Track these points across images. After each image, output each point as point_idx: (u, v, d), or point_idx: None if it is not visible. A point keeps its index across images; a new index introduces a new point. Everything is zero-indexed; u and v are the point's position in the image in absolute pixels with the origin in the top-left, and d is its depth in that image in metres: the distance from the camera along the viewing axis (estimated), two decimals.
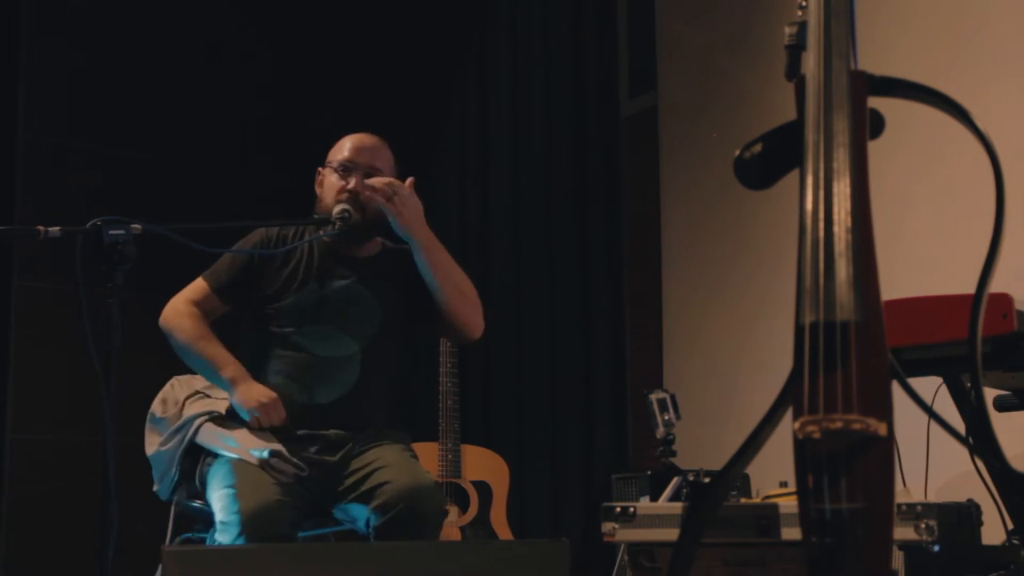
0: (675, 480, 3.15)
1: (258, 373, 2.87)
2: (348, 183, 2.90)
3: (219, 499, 2.65)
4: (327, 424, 2.83)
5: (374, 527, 2.67)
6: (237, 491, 2.60)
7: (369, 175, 2.92)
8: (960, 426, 2.37)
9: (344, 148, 2.96)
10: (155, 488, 3.01)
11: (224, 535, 2.57)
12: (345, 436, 2.83)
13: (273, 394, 2.77)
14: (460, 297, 2.93)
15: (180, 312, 2.88)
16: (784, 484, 2.72)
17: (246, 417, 2.77)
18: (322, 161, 3.02)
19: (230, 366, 2.81)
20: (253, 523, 2.52)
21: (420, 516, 2.64)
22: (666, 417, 3.23)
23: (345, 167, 2.93)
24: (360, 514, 2.73)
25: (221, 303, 2.93)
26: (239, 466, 2.68)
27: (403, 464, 2.75)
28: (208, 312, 2.93)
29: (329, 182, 2.95)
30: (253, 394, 2.76)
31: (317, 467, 2.76)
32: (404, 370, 3.13)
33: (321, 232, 2.91)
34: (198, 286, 2.94)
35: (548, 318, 4.95)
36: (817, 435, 1.33)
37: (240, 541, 2.51)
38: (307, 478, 2.72)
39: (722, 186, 4.32)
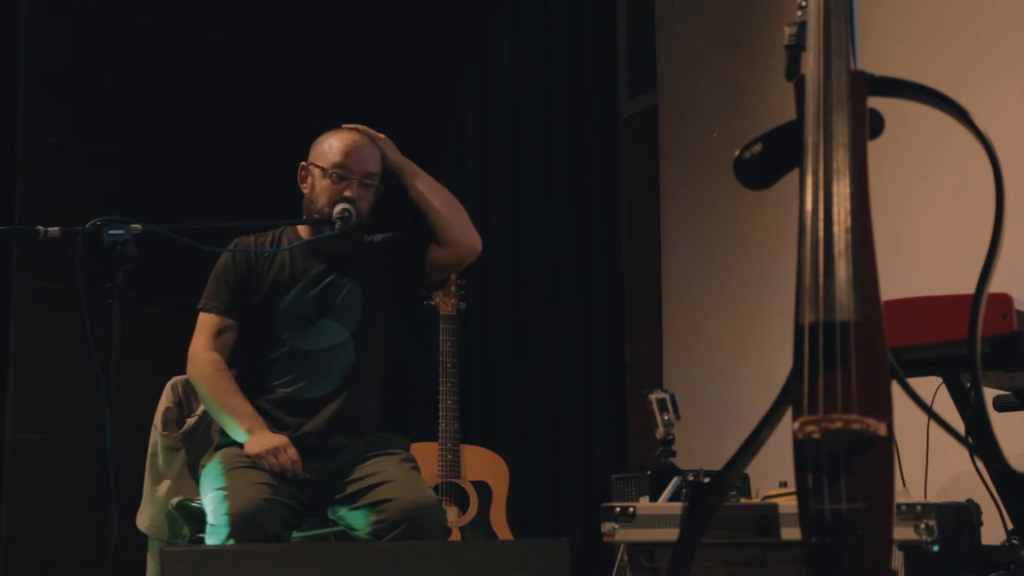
0: (675, 480, 3.15)
1: (256, 381, 2.88)
2: (345, 190, 2.89)
3: (210, 501, 2.65)
4: (325, 423, 2.83)
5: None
6: (226, 492, 2.60)
7: (364, 183, 2.91)
8: (960, 426, 2.37)
9: (337, 151, 2.92)
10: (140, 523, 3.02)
11: (213, 537, 2.57)
12: (344, 440, 2.83)
13: (283, 439, 2.75)
14: (456, 211, 3.01)
15: (202, 363, 2.86)
16: (784, 484, 2.72)
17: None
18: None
19: (247, 417, 2.79)
20: (242, 524, 2.52)
21: (423, 536, 2.63)
22: (666, 417, 3.23)
23: (340, 174, 2.91)
24: (358, 523, 2.73)
25: (235, 324, 2.92)
26: (229, 468, 2.69)
27: (405, 479, 2.74)
28: (228, 344, 2.91)
29: (322, 185, 2.92)
30: (264, 443, 2.73)
31: (315, 471, 2.76)
32: (402, 371, 3.13)
33: (325, 232, 2.90)
34: (207, 322, 2.91)
35: (548, 318, 4.95)
36: (817, 435, 1.33)
37: (229, 543, 2.51)
38: (304, 480, 2.72)
39: (722, 186, 4.32)
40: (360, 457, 2.81)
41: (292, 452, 2.71)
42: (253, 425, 2.77)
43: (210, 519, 2.62)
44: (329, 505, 2.79)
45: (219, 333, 2.90)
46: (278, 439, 2.73)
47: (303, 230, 2.99)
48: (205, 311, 2.93)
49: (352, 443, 2.83)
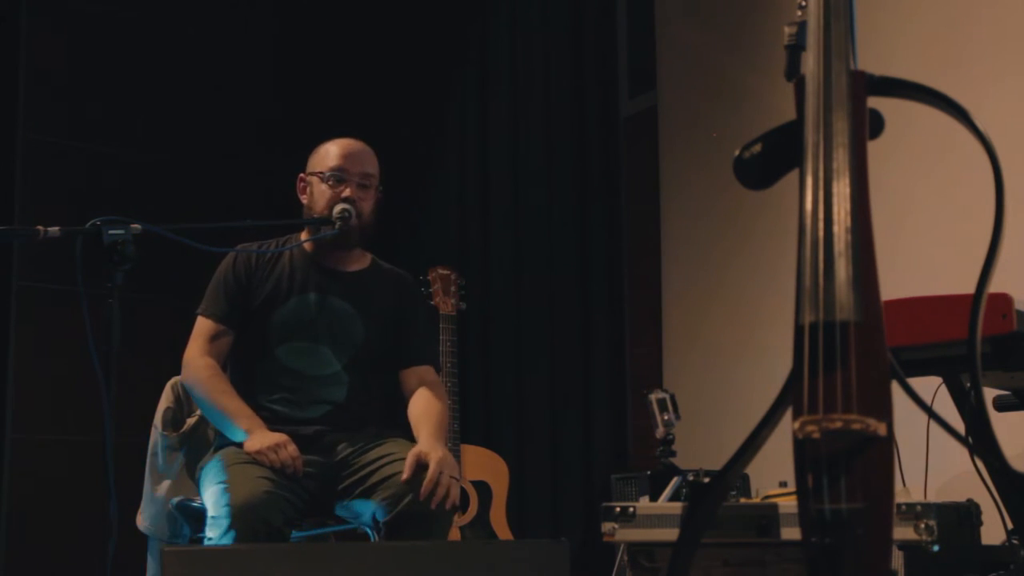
0: (675, 480, 3.15)
1: (244, 388, 2.87)
2: (343, 191, 2.88)
3: (211, 495, 2.65)
4: (320, 430, 2.83)
5: (384, 523, 2.66)
6: (227, 485, 2.60)
7: (363, 184, 2.91)
8: (960, 426, 2.37)
9: (333, 155, 2.92)
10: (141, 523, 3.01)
11: (214, 529, 2.57)
12: (342, 436, 2.84)
13: (284, 437, 2.74)
14: None
15: (197, 368, 2.86)
16: (784, 484, 2.72)
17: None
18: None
19: (245, 418, 2.78)
20: (242, 516, 2.52)
21: (428, 506, 2.63)
22: (666, 417, 3.23)
23: (338, 176, 2.90)
24: (365, 510, 2.73)
25: (231, 330, 2.90)
26: (230, 463, 2.69)
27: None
28: (223, 350, 2.89)
29: (319, 190, 2.91)
30: (265, 440, 2.72)
31: (316, 466, 2.76)
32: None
33: (323, 231, 2.88)
34: (203, 327, 2.90)
35: (548, 318, 4.95)
36: (817, 435, 1.33)
37: (230, 535, 2.51)
38: (305, 477, 2.73)
39: (722, 186, 4.32)
40: (360, 450, 2.81)
41: (292, 449, 2.71)
42: (252, 425, 2.77)
43: (211, 512, 2.62)
44: (334, 499, 2.79)
45: (214, 339, 2.89)
46: (278, 436, 2.73)
47: (307, 243, 2.97)
48: (203, 316, 2.92)
49: (351, 439, 2.84)
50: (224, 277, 2.92)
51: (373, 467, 2.75)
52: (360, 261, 3.01)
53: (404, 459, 2.70)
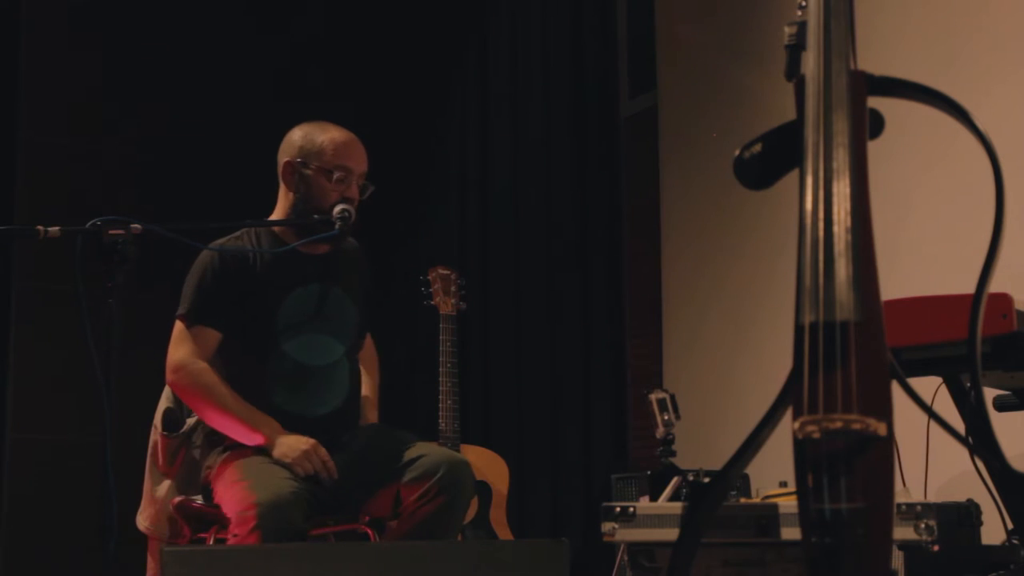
0: (675, 480, 3.15)
1: (250, 390, 2.81)
2: (346, 190, 2.84)
3: (232, 495, 2.61)
4: (328, 430, 2.83)
5: (414, 500, 2.68)
6: (252, 484, 2.57)
7: (359, 183, 2.89)
8: (960, 426, 2.37)
9: (337, 151, 2.84)
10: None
11: (240, 527, 2.52)
12: (350, 435, 2.86)
13: (310, 441, 2.72)
14: None
15: (193, 373, 2.78)
16: (784, 484, 2.72)
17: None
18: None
19: (263, 424, 2.75)
20: (270, 515, 2.49)
21: (458, 483, 2.68)
22: (666, 417, 3.23)
23: (344, 175, 2.83)
24: (389, 501, 2.74)
25: (217, 332, 2.83)
26: (251, 465, 2.67)
27: (428, 443, 2.84)
28: (210, 352, 2.83)
29: (320, 185, 2.83)
30: (295, 446, 2.70)
31: (336, 463, 2.76)
32: (402, 370, 3.14)
33: (322, 232, 2.86)
34: (190, 330, 2.81)
35: (548, 318, 4.95)
36: (817, 435, 1.33)
37: (255, 533, 2.48)
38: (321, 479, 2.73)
39: (722, 186, 4.32)
40: (371, 442, 2.83)
41: (323, 452, 2.71)
42: (272, 431, 2.74)
43: (235, 510, 2.56)
44: (361, 492, 2.78)
45: (202, 341, 2.81)
46: (305, 442, 2.71)
47: (280, 230, 2.90)
48: (187, 318, 2.83)
49: (357, 434, 2.86)
50: (207, 277, 2.82)
51: (393, 454, 2.75)
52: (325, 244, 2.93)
53: (422, 444, 2.79)
